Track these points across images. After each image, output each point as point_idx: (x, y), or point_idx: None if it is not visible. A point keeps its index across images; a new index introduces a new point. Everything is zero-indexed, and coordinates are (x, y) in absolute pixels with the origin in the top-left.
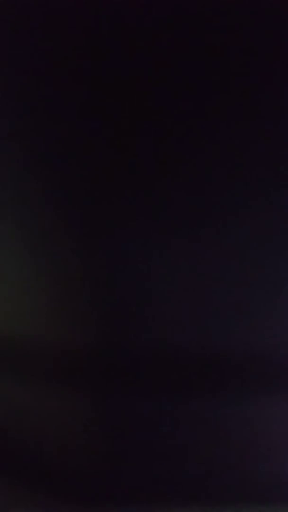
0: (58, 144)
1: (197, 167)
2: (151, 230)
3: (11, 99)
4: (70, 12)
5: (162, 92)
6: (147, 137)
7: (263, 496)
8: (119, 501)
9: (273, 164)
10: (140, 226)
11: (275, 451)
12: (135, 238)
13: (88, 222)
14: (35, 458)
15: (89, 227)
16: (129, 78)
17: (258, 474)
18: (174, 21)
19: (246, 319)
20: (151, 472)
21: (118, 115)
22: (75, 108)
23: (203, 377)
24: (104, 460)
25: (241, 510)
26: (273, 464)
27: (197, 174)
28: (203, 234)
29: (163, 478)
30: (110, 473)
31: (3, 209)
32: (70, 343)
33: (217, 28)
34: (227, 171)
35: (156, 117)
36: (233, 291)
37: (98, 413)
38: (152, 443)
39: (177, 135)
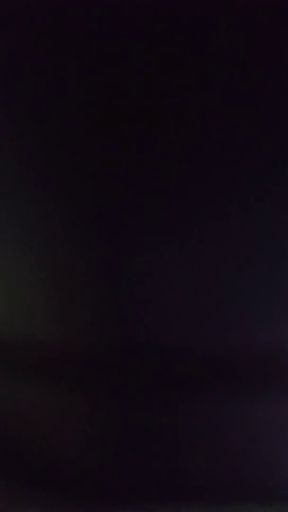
0: (58, 143)
1: (197, 167)
2: (151, 229)
3: (11, 100)
4: (70, 12)
5: (162, 92)
6: (147, 137)
7: (263, 496)
8: (119, 501)
9: (273, 163)
10: (140, 225)
11: (275, 451)
12: (135, 237)
13: (88, 222)
14: (35, 458)
15: (89, 226)
16: (129, 78)
17: (258, 474)
18: (174, 20)
19: (246, 319)
20: (151, 472)
21: (118, 115)
22: (75, 108)
23: (203, 377)
24: (104, 460)
25: (241, 510)
26: (273, 464)
27: (197, 172)
28: (203, 234)
29: (163, 478)
30: (110, 473)
31: (3, 209)
32: (70, 342)
33: (217, 27)
34: (227, 170)
35: (156, 118)
36: (233, 290)
37: (98, 413)
38: (152, 443)
39: (177, 135)
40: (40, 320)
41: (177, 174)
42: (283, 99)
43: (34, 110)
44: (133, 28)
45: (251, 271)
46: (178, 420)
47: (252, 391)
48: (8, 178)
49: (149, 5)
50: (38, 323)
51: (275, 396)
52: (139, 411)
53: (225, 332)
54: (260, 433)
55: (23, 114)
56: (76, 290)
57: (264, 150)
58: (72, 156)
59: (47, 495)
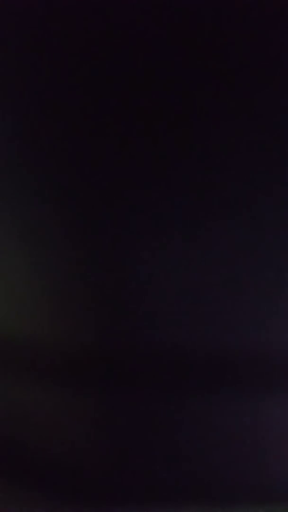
0: (58, 144)
1: (197, 166)
2: (151, 230)
3: (11, 100)
4: (70, 12)
5: (162, 92)
6: (148, 137)
7: (263, 496)
8: (119, 501)
9: (273, 163)
10: (139, 226)
11: (275, 451)
12: (135, 238)
13: (88, 223)
14: (35, 458)
15: (89, 227)
16: (129, 78)
17: (258, 474)
18: (173, 21)
19: (246, 318)
20: (152, 472)
21: (118, 116)
22: (76, 109)
23: (203, 377)
24: (104, 460)
25: (241, 510)
26: (273, 464)
27: (196, 173)
28: (203, 234)
29: (164, 478)
30: (110, 473)
31: (3, 209)
32: (71, 343)
33: (216, 27)
34: (227, 170)
35: (156, 119)
36: (234, 290)
37: (98, 413)
38: (152, 443)
39: (178, 136)
40: (40, 320)
41: (175, 174)
42: (283, 99)
43: (34, 110)
44: (133, 28)
45: (251, 271)
46: (178, 420)
47: (252, 391)
48: (8, 179)
49: (149, 5)
50: (37, 323)
51: (275, 396)
52: (139, 411)
53: (226, 332)
54: (260, 433)
55: (23, 114)
56: (76, 290)
57: (264, 150)
58: (72, 158)
59: (47, 495)
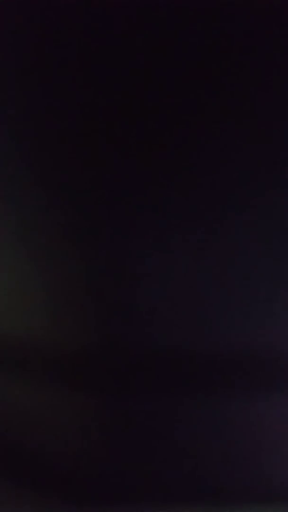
0: (58, 143)
1: (196, 166)
2: (150, 229)
3: (11, 101)
4: (70, 12)
5: (162, 93)
6: (148, 137)
7: (263, 496)
8: (119, 501)
9: (273, 163)
10: (139, 225)
11: (276, 451)
12: (135, 237)
13: (88, 222)
14: (35, 458)
15: (89, 227)
16: (129, 78)
17: (258, 474)
18: (173, 21)
19: (246, 318)
20: (151, 472)
21: (119, 116)
22: (76, 109)
23: (203, 377)
24: (104, 460)
25: (241, 510)
26: (274, 464)
27: (196, 173)
28: (203, 234)
29: (163, 478)
30: (110, 473)
31: (3, 209)
32: (70, 343)
33: (217, 27)
34: (227, 170)
35: (156, 119)
36: (234, 290)
37: (98, 413)
38: (152, 442)
39: (178, 136)
40: (39, 320)
41: (175, 174)
42: (283, 100)
43: (34, 110)
44: (133, 28)
45: (251, 271)
46: (178, 420)
47: (252, 391)
48: (8, 180)
49: (149, 5)
50: (37, 323)
51: (275, 396)
52: (138, 411)
53: (225, 332)
54: (260, 433)
55: (23, 115)
56: (76, 290)
57: (264, 150)
58: (72, 157)
59: (46, 495)
